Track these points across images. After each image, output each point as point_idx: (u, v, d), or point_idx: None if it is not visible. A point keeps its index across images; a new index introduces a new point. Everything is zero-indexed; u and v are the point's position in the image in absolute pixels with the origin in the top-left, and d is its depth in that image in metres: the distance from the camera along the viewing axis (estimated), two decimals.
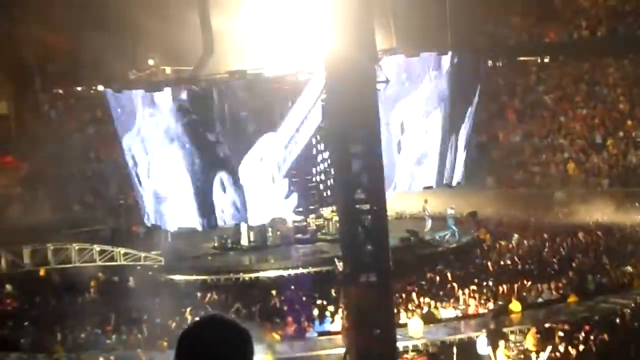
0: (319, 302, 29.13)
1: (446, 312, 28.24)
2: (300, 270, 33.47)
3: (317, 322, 27.93)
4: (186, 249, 37.38)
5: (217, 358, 4.21)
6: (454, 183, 36.13)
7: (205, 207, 30.93)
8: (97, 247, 34.43)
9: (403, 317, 26.86)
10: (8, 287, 33.54)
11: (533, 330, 24.94)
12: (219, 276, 33.85)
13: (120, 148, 32.95)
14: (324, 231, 37.45)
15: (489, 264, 33.45)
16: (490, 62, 48.57)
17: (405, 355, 24.49)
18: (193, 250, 37.51)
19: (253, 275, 34.06)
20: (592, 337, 23.59)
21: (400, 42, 33.20)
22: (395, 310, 24.44)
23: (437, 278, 31.66)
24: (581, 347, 23.16)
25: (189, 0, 35.04)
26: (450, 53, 33.56)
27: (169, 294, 30.84)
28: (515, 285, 29.64)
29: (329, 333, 27.33)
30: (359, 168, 16.80)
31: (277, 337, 26.42)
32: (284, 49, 32.99)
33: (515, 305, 27.69)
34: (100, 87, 43.84)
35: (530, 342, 24.56)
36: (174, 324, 27.00)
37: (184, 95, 29.68)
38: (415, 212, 40.77)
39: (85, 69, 49.57)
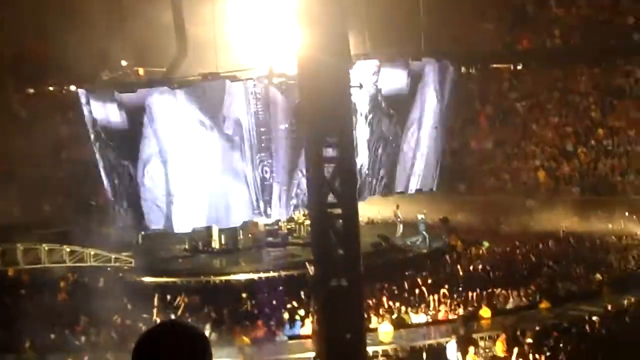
0: (289, 305, 29.10)
1: (416, 317, 28.29)
2: (271, 274, 33.44)
3: (287, 326, 27.91)
4: (157, 251, 37.26)
5: None
6: (426, 189, 36.15)
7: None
8: (67, 248, 34.26)
9: (374, 322, 26.89)
10: None
11: (502, 336, 25.02)
12: (189, 279, 33.76)
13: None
14: (295, 235, 37.46)
15: (460, 269, 33.56)
16: (463, 69, 48.73)
17: None
18: (164, 252, 37.40)
19: (224, 278, 33.99)
20: (560, 344, 23.71)
21: (373, 47, 33.23)
22: (366, 315, 24.45)
23: (408, 283, 31.72)
24: (549, 354, 23.27)
25: (163, 2, 34.94)
26: (423, 59, 33.61)
27: (139, 296, 30.72)
28: (485, 292, 29.76)
29: (299, 337, 27.32)
30: (331, 172, 16.80)
31: (247, 340, 26.37)
32: (258, 52, 32.95)
33: (485, 312, 27.79)
34: (72, 88, 43.63)
35: (499, 348, 24.64)
36: (143, 326, 26.86)
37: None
38: (386, 218, 40.84)
39: (58, 69, 49.29)
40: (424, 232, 37.98)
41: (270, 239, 37.07)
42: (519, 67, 53.98)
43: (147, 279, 34.32)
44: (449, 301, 29.03)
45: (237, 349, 24.69)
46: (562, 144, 47.94)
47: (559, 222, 40.15)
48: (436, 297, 29.25)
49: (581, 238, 37.62)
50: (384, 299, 29.27)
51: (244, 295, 30.84)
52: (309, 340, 26.03)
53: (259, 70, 30.26)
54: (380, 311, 28.18)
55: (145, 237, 36.48)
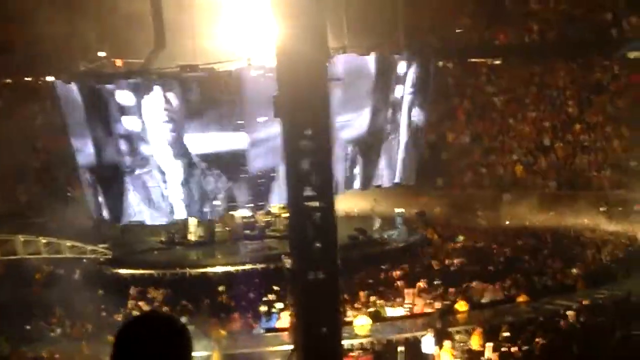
0: (266, 298, 29.08)
1: (393, 310, 28.33)
2: (248, 267, 33.39)
3: (264, 319, 27.90)
4: (133, 243, 37.15)
5: (155, 354, 4.17)
6: (403, 182, 36.07)
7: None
8: (42, 239, 34.09)
9: (350, 315, 26.91)
10: None
11: (478, 330, 25.09)
12: (165, 271, 33.67)
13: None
14: (272, 228, 37.40)
15: (436, 263, 33.62)
16: (440, 63, 48.76)
17: (351, 354, 24.52)
18: (140, 244, 37.29)
19: (200, 270, 33.92)
20: (536, 338, 23.80)
21: (351, 41, 33.15)
22: (342, 308, 24.46)
23: (385, 277, 31.76)
24: (525, 348, 23.36)
25: None
26: (401, 54, 33.53)
27: (115, 287, 30.63)
28: (462, 286, 29.84)
29: (275, 330, 27.31)
30: (309, 165, 16.77)
31: (223, 333, 26.35)
32: (236, 44, 32.84)
33: (461, 305, 27.85)
34: (49, 78, 43.37)
35: (475, 342, 24.71)
36: (119, 318, 26.82)
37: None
38: (364, 211, 40.84)
39: (35, 59, 49.02)
40: (401, 226, 38.00)
41: (247, 231, 36.99)
42: (497, 62, 54.09)
43: (123, 271, 34.22)
44: (425, 295, 29.08)
45: (214, 342, 24.65)
46: (539, 138, 48.13)
47: (536, 217, 40.32)
48: (413, 290, 29.30)
49: (557, 232, 37.79)
50: (361, 292, 29.27)
51: (220, 287, 30.80)
52: (286, 333, 26.05)
53: (238, 62, 30.16)
54: (357, 304, 28.19)
55: (122, 229, 36.35)
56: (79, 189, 37.22)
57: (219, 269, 33.91)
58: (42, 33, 40.97)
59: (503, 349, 23.46)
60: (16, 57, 51.02)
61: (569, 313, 25.84)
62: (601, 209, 40.40)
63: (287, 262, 25.27)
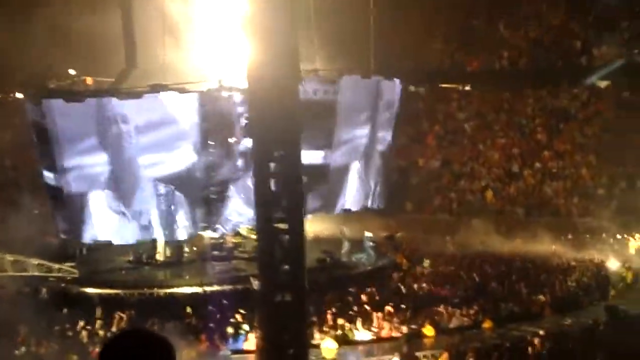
0: (233, 320, 28.96)
1: (360, 334, 28.29)
2: (216, 288, 33.23)
3: (231, 340, 27.79)
4: (100, 262, 36.91)
5: None
6: (373, 206, 36.09)
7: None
8: (9, 257, 33.78)
9: (317, 338, 26.84)
10: None
11: (445, 355, 25.10)
12: (132, 290, 33.44)
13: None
14: (240, 249, 37.27)
15: (404, 287, 33.64)
16: (412, 87, 48.97)
17: None
18: (107, 263, 37.04)
19: (167, 290, 33.72)
20: None
21: (323, 63, 33.21)
22: (309, 331, 24.40)
23: (352, 300, 31.72)
24: None
25: (113, 13, 34.75)
26: (373, 77, 33.61)
27: (82, 307, 30.39)
28: (429, 310, 29.86)
29: (242, 352, 27.20)
30: (278, 187, 16.78)
31: (191, 354, 26.19)
32: (208, 65, 32.81)
33: (428, 330, 27.87)
34: (18, 95, 43.21)
35: None
36: (85, 338, 26.61)
37: None
38: (332, 234, 40.78)
39: (3, 75, 48.77)
40: (370, 250, 37.99)
41: (215, 252, 36.85)
42: (467, 88, 54.40)
43: (90, 290, 33.97)
44: (392, 319, 29.07)
45: None
46: (508, 165, 48.37)
47: (504, 243, 40.44)
48: (380, 314, 29.28)
49: (525, 259, 37.91)
50: (328, 315, 29.22)
51: (187, 308, 30.65)
52: (252, 355, 25.93)
53: (209, 83, 30.12)
54: (324, 327, 28.14)
55: (89, 248, 36.10)
56: (46, 206, 36.99)
57: (186, 289, 33.73)
58: (11, 49, 40.79)
59: None
60: None
61: (535, 340, 25.90)
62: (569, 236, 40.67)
63: (256, 284, 25.19)
